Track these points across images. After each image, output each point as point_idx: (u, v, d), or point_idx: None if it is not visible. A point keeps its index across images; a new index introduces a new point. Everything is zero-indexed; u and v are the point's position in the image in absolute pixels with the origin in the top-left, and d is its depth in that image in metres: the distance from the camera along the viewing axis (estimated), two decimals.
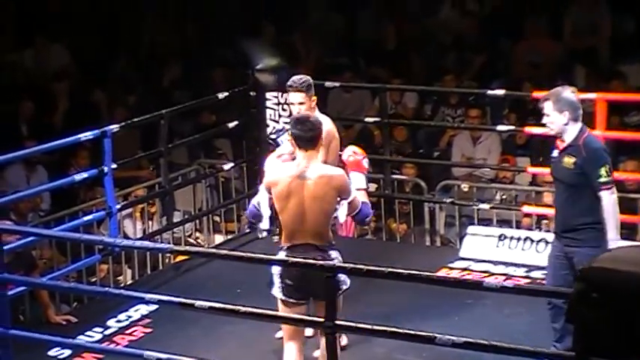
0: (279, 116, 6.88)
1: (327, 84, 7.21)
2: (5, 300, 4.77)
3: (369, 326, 4.15)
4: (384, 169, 7.27)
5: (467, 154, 8.31)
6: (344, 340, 5.14)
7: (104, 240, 5.37)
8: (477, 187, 7.76)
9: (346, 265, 4.42)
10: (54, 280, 5.83)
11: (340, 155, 5.09)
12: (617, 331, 3.20)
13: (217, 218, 7.90)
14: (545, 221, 7.10)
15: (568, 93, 4.96)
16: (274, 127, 5.33)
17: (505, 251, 6.52)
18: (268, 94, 6.97)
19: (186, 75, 9.73)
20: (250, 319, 4.46)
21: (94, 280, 6.84)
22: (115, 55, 9.97)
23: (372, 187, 7.23)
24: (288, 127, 5.21)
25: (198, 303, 4.33)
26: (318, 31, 9.97)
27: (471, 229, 6.80)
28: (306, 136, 4.51)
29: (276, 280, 4.57)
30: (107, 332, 5.65)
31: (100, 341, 5.52)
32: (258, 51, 7.33)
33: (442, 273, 6.19)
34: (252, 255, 4.64)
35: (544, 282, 5.48)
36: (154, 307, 5.67)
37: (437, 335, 3.91)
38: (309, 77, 5.26)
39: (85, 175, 6.17)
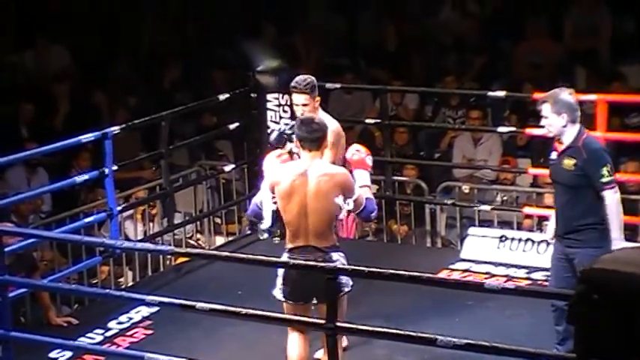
0: (280, 118, 6.88)
1: (328, 85, 7.21)
2: (6, 302, 4.77)
3: (370, 328, 4.15)
4: (385, 170, 7.27)
5: (468, 155, 8.31)
6: (344, 341, 5.14)
7: (105, 242, 5.37)
8: (478, 189, 7.76)
9: (347, 266, 4.43)
10: (55, 281, 5.83)
11: (344, 154, 5.11)
12: (618, 332, 3.20)
13: (218, 220, 7.90)
14: (546, 222, 7.09)
15: (566, 95, 4.95)
16: (274, 129, 5.33)
17: (506, 253, 6.52)
18: (269, 96, 6.97)
19: (187, 76, 9.73)
20: (251, 321, 4.46)
21: (95, 281, 6.83)
22: (116, 56, 9.97)
23: (373, 188, 7.22)
24: (287, 128, 5.23)
25: (199, 305, 4.33)
26: (319, 32, 9.97)
27: (471, 230, 6.80)
28: (311, 137, 4.55)
29: (278, 281, 4.58)
30: (108, 334, 5.65)
31: (100, 343, 5.51)
32: (259, 52, 7.33)
33: (443, 274, 6.18)
34: (254, 257, 4.65)
35: (545, 283, 5.48)
36: (155, 308, 5.67)
37: (438, 337, 3.91)
38: (313, 78, 5.26)
39: (85, 176, 6.17)
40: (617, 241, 4.80)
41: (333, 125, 5.13)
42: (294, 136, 4.82)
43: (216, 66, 9.60)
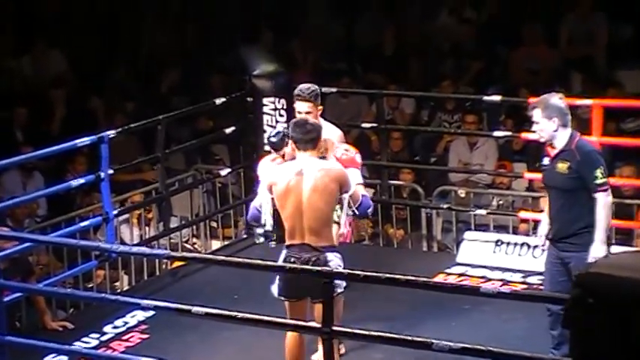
0: (277, 122, 6.88)
1: (324, 89, 7.19)
2: (2, 306, 4.77)
3: (366, 332, 4.16)
4: (381, 174, 7.28)
5: (464, 159, 8.32)
6: (342, 349, 5.15)
7: (101, 246, 5.37)
8: (474, 193, 7.76)
9: (343, 270, 4.43)
10: (50, 286, 5.82)
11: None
12: (614, 336, 3.19)
13: (214, 224, 7.90)
14: None
15: (556, 99, 4.97)
16: (272, 131, 5.35)
17: (502, 257, 6.52)
18: (265, 100, 6.97)
19: (185, 81, 9.73)
20: (247, 325, 4.46)
21: (90, 286, 6.82)
22: (114, 61, 9.96)
23: (370, 192, 7.23)
24: (287, 129, 5.25)
25: (195, 309, 4.33)
26: (317, 37, 9.98)
27: (467, 234, 6.81)
28: (305, 138, 4.63)
29: (276, 277, 4.64)
30: (104, 338, 5.64)
31: (96, 347, 5.51)
32: (256, 57, 7.34)
33: (439, 278, 6.18)
34: (250, 261, 4.65)
35: (541, 287, 5.48)
36: (151, 313, 5.66)
37: (434, 341, 3.91)
38: (316, 86, 5.31)
39: (81, 180, 6.17)
40: (599, 243, 4.81)
41: (337, 131, 5.33)
42: (278, 142, 4.88)
43: (214, 70, 9.61)
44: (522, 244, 6.50)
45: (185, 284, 6.40)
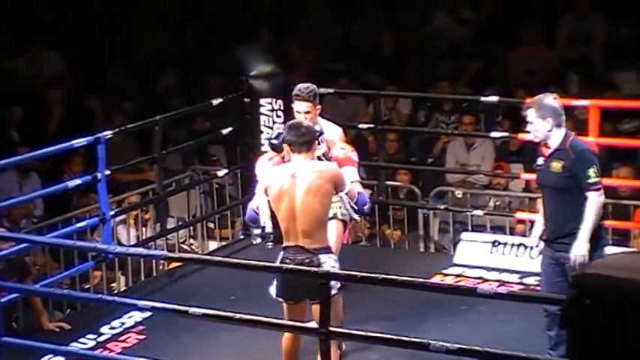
0: (274, 122, 6.88)
1: (321, 90, 7.19)
2: None
3: (363, 333, 4.15)
4: (378, 175, 7.28)
5: (461, 160, 8.32)
6: (343, 346, 5.15)
7: (97, 247, 5.37)
8: (471, 194, 7.77)
9: (340, 271, 4.44)
10: (47, 286, 5.81)
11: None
12: (611, 337, 3.19)
13: (211, 225, 7.89)
14: None
15: (550, 99, 4.98)
16: (273, 133, 5.35)
17: (499, 257, 6.52)
18: (262, 101, 6.97)
19: (182, 81, 9.73)
20: (245, 325, 4.46)
21: (87, 286, 6.82)
22: (111, 61, 9.96)
23: (367, 193, 7.22)
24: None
25: (192, 310, 4.32)
26: (315, 37, 9.98)
27: (464, 235, 6.81)
28: (300, 141, 4.64)
29: (275, 279, 4.66)
30: (100, 339, 5.64)
31: (93, 348, 5.50)
32: (253, 57, 7.33)
33: (436, 279, 6.18)
34: (247, 262, 4.64)
35: (538, 288, 5.48)
36: (148, 313, 5.66)
37: (431, 342, 3.91)
38: (315, 86, 5.30)
39: (78, 181, 6.16)
40: (582, 241, 4.81)
41: (337, 130, 5.36)
42: (278, 143, 4.89)
43: (213, 71, 9.60)
44: (519, 245, 6.50)
45: (182, 285, 6.39)
